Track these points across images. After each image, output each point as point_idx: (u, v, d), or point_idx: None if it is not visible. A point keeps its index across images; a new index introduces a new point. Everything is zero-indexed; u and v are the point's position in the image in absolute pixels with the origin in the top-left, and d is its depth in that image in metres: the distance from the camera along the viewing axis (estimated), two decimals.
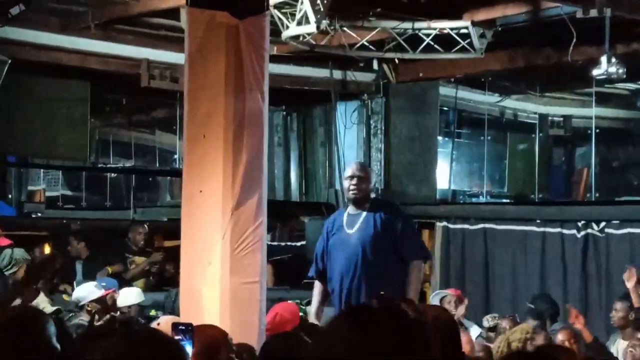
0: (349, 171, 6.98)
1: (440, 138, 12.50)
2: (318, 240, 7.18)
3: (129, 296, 8.35)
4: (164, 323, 4.97)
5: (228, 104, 5.98)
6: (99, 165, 14.26)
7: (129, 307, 8.21)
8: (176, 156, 13.53)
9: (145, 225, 10.40)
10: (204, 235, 5.99)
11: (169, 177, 14.48)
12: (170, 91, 10.98)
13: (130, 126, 14.69)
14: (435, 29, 9.55)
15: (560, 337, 7.38)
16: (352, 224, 6.86)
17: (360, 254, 6.73)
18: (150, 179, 15.11)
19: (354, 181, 6.80)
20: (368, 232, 6.77)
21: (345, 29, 9.66)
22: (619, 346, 7.98)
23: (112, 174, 14.77)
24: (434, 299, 9.09)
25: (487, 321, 8.86)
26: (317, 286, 7.08)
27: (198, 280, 5.98)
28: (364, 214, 6.83)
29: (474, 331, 8.58)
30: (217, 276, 5.92)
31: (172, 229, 8.32)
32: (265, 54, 6.16)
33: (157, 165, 14.60)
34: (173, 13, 9.27)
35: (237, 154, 5.98)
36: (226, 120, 5.97)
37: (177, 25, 9.43)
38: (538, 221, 11.05)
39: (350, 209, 6.91)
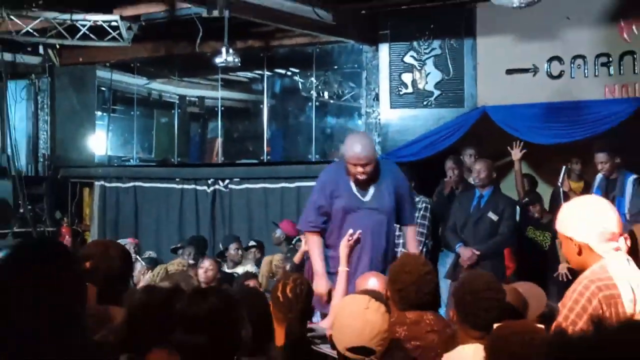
0: (354, 158, 5.25)
1: (98, 113, 12.28)
2: (315, 193, 5.51)
3: None
4: None
5: None
6: None
7: None
8: None
9: None
10: None
11: None
12: None
13: None
14: (90, 20, 9.35)
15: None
16: (365, 193, 5.40)
17: (380, 225, 5.41)
18: None
19: (361, 169, 5.26)
20: (384, 202, 5.40)
21: (12, 17, 9.19)
22: None
23: None
24: None
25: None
26: (316, 242, 5.43)
27: None
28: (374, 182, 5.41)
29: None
30: None
31: None
32: None
33: None
34: None
35: None
36: None
37: None
38: (177, 179, 11.23)
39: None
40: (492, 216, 7.66)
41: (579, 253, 3.13)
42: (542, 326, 3.10)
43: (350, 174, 5.36)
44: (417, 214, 7.91)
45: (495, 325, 3.13)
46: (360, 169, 5.27)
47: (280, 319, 3.87)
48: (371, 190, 5.39)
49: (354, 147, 5.31)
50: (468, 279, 3.67)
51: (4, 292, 1.96)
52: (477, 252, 7.53)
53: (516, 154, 8.14)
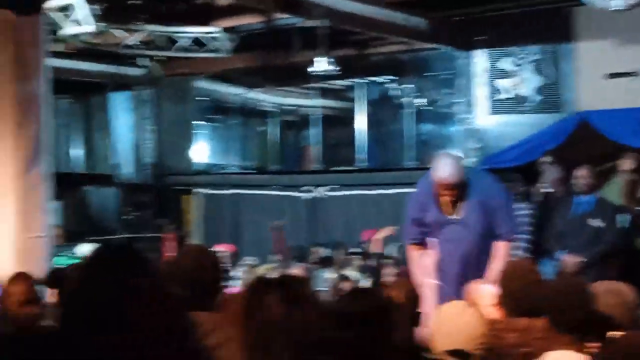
0: (439, 181, 5.09)
1: (198, 122, 12.51)
2: (411, 205, 5.48)
3: None
4: None
5: (12, 89, 5.76)
6: None
7: None
8: None
9: None
10: None
11: None
12: None
13: None
14: (191, 33, 9.53)
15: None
16: (453, 209, 5.21)
17: (468, 241, 5.18)
18: None
19: (447, 192, 5.11)
20: (470, 218, 5.18)
21: (116, 30, 9.46)
22: None
23: None
24: None
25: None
26: (414, 256, 5.37)
27: None
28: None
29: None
30: (8, 232, 5.70)
31: None
32: (43, 46, 5.95)
33: None
34: None
35: (22, 130, 5.77)
36: (11, 102, 5.75)
37: None
38: (275, 186, 11.31)
39: None
40: (597, 223, 7.39)
41: None
42: None
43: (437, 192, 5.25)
44: (523, 220, 7.66)
45: (608, 334, 3.04)
46: (446, 192, 5.15)
47: None
48: (460, 206, 5.24)
49: (440, 171, 5.14)
50: (557, 284, 3.60)
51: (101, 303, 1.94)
52: (582, 260, 7.30)
53: (628, 163, 7.83)
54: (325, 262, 9.02)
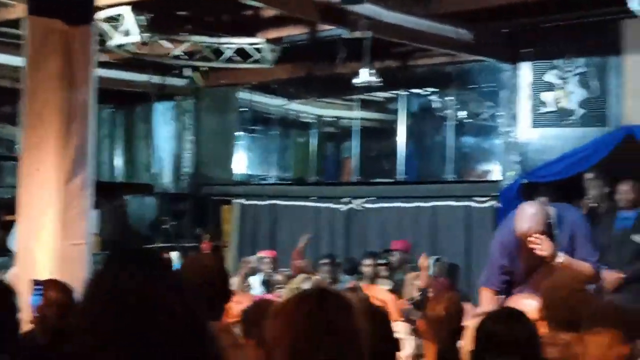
0: (521, 234, 4.91)
1: (239, 133, 12.50)
2: (496, 251, 5.24)
3: None
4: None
5: (60, 97, 5.76)
6: None
7: None
8: (17, 145, 12.83)
9: None
10: (38, 205, 5.73)
11: (11, 162, 13.75)
12: (13, 89, 10.37)
13: None
14: (235, 43, 9.51)
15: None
16: None
17: None
18: None
19: (533, 245, 4.89)
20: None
21: (162, 41, 9.47)
22: None
23: None
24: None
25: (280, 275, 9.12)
26: (489, 298, 5.18)
27: (33, 242, 5.73)
28: None
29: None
30: (50, 238, 5.70)
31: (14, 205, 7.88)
32: (92, 57, 5.94)
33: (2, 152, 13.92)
34: (15, 23, 8.78)
35: (68, 139, 5.76)
36: (59, 110, 5.75)
37: (18, 33, 8.92)
38: (313, 198, 11.25)
39: None
40: (639, 239, 7.27)
41: None
42: None
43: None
44: None
45: None
46: (532, 246, 4.93)
47: (432, 336, 3.82)
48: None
49: (522, 225, 4.94)
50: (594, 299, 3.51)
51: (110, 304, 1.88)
52: (622, 276, 7.14)
53: None
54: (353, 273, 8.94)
